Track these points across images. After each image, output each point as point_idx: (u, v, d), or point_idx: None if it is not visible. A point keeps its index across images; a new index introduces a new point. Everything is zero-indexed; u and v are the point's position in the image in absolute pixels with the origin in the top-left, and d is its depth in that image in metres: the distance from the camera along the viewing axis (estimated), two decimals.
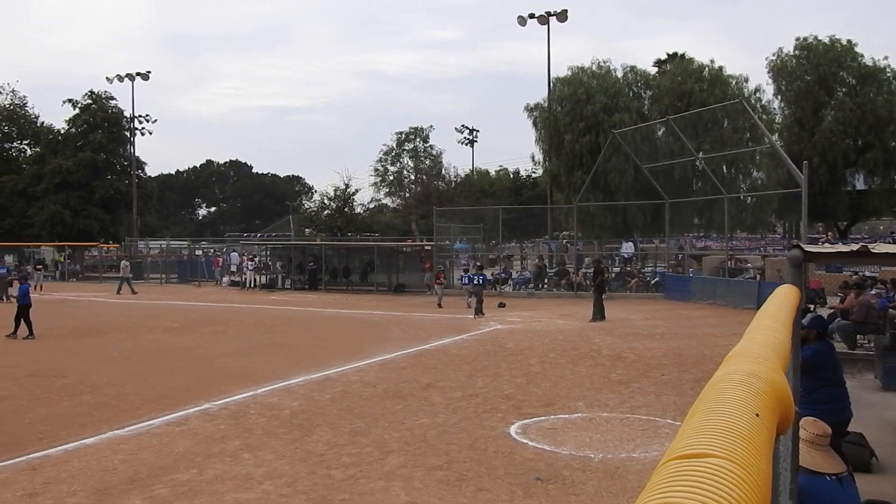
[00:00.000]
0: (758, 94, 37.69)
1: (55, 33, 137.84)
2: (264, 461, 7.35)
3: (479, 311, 21.33)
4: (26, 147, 55.53)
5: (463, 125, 69.71)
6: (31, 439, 8.27)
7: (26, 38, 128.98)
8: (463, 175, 60.21)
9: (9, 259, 43.88)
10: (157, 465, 7.26)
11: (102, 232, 51.88)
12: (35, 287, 32.59)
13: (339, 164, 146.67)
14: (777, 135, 35.05)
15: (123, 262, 35.72)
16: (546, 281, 30.31)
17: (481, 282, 22.42)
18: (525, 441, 8.06)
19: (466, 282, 23.50)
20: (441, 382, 11.39)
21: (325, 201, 51.06)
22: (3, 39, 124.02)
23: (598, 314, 20.17)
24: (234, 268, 38.64)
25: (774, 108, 38.73)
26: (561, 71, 40.66)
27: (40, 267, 39.60)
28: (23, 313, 17.16)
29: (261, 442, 8.05)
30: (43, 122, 55.10)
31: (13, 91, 54.47)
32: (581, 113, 36.79)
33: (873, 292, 15.49)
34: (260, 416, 9.27)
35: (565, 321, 20.35)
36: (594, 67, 38.59)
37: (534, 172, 53.77)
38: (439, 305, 24.53)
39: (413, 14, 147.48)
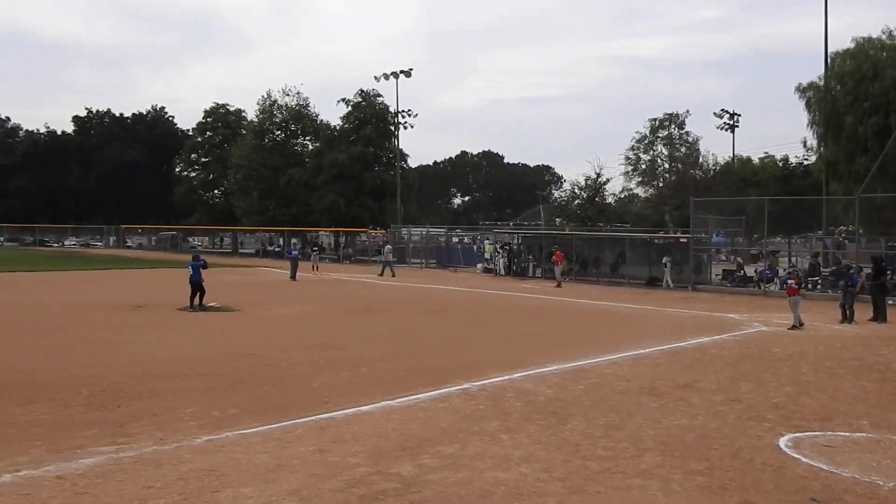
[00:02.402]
0: None
1: (331, 42, 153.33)
2: (521, 444, 7.58)
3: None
4: (308, 142, 62.46)
5: (723, 110, 65.23)
6: (318, 402, 9.35)
7: (309, 47, 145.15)
8: (722, 163, 56.49)
9: (296, 241, 49.72)
10: (424, 436, 7.81)
11: (371, 219, 56.88)
12: (312, 268, 36.86)
13: (589, 153, 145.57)
14: None
15: (387, 246, 38.88)
16: (819, 281, 27.41)
17: (853, 282, 19.44)
18: (797, 456, 7.40)
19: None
20: (699, 383, 10.86)
21: (576, 191, 51.05)
22: (293, 50, 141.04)
23: (880, 315, 19.07)
24: (487, 255, 40.21)
25: None
26: (842, 45, 36.17)
27: (316, 248, 44.46)
28: (197, 289, 19.55)
29: (517, 425, 8.31)
30: (321, 120, 61.59)
31: (298, 93, 61.43)
32: (866, 91, 32.64)
33: None
34: (516, 399, 9.57)
35: (843, 326, 18.29)
36: (884, 37, 33.95)
37: (805, 160, 48.88)
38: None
39: None
